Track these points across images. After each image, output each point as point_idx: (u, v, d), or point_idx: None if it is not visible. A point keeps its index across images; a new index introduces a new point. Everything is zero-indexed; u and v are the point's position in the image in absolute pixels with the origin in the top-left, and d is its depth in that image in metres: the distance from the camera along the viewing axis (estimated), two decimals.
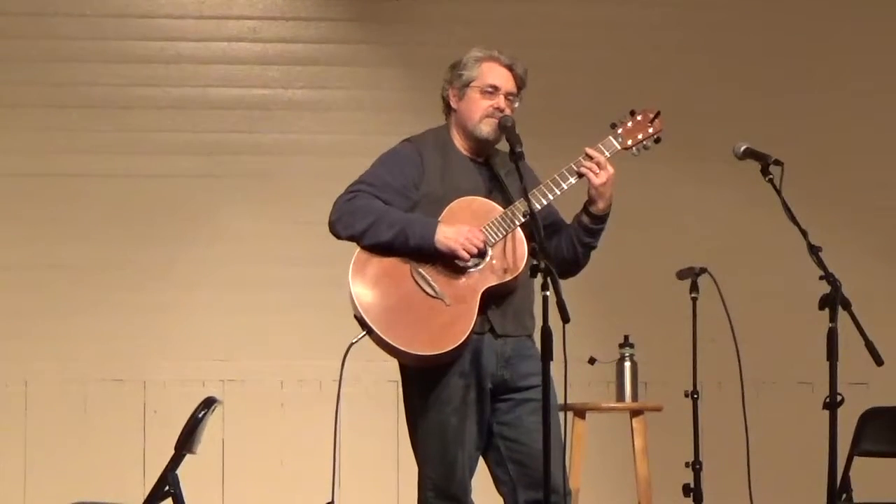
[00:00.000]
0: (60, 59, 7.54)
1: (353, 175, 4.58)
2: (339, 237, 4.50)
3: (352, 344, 4.39)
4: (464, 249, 4.37)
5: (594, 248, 4.61)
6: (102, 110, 7.54)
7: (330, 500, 4.59)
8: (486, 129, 4.55)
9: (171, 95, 7.61)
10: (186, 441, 5.04)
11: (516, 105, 4.61)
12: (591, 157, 4.50)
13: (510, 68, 4.59)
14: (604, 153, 4.52)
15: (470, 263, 4.40)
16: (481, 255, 4.41)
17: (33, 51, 7.53)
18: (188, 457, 5.07)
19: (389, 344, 4.36)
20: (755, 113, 7.63)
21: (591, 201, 4.54)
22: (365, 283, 4.40)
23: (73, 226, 7.47)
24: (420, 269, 4.41)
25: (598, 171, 4.48)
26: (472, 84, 4.57)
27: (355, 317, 4.41)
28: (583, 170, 4.49)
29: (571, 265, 4.61)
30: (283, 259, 7.52)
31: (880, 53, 7.88)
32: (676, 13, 7.79)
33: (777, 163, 4.58)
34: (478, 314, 4.39)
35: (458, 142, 4.62)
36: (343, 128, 7.64)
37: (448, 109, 4.65)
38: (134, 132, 7.56)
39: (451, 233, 4.39)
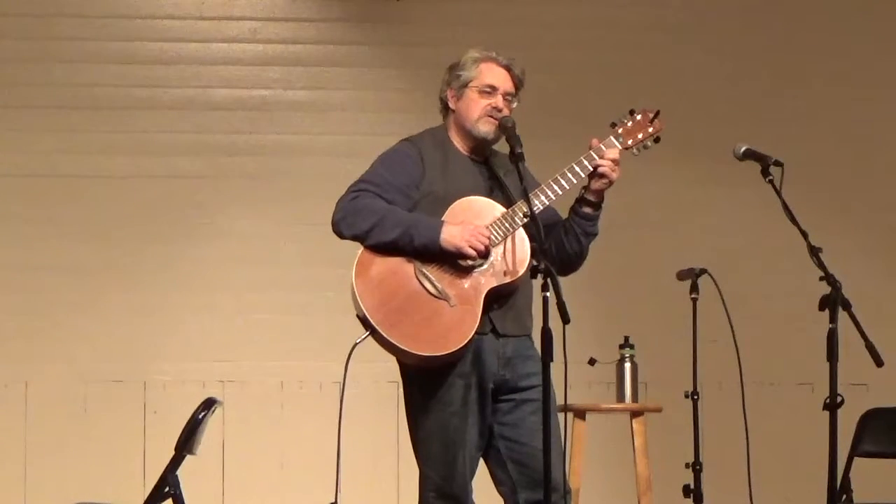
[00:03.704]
0: (61, 60, 7.54)
1: (354, 176, 4.57)
2: (342, 237, 4.50)
3: (356, 344, 4.38)
4: (469, 247, 4.38)
5: (597, 234, 4.62)
6: (103, 111, 7.54)
7: (333, 500, 4.59)
8: (483, 128, 4.56)
9: (171, 96, 7.62)
10: (186, 442, 5.04)
11: (514, 105, 4.61)
12: (601, 154, 4.49)
13: (508, 69, 4.60)
14: (618, 147, 4.52)
15: (474, 264, 4.40)
16: (485, 255, 4.41)
17: (34, 52, 7.53)
18: (188, 458, 5.06)
19: (394, 345, 4.35)
20: (755, 113, 7.63)
21: (595, 193, 4.54)
22: (369, 283, 4.40)
23: (74, 226, 7.48)
24: (424, 270, 4.41)
25: (615, 168, 4.50)
26: (470, 84, 4.58)
27: (358, 317, 4.41)
28: (604, 169, 4.49)
29: (577, 258, 4.62)
30: (284, 260, 7.53)
31: (881, 54, 7.88)
32: (676, 14, 7.79)
33: (777, 164, 4.59)
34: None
35: (457, 141, 4.63)
36: (343, 128, 7.64)
37: (446, 110, 4.66)
38: (134, 133, 7.56)
39: (457, 231, 4.39)
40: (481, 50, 4.63)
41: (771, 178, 4.58)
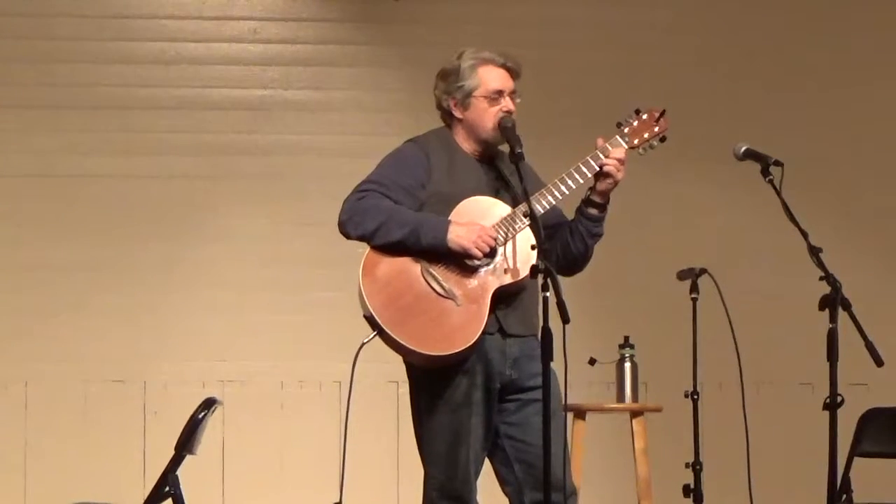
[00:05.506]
0: (61, 59, 7.54)
1: (354, 175, 4.57)
2: (348, 237, 4.49)
3: (363, 344, 4.38)
4: (476, 248, 4.38)
5: (602, 235, 4.61)
6: (103, 111, 7.54)
7: (337, 500, 4.59)
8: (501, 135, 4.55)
9: (171, 96, 7.62)
10: (186, 442, 5.04)
11: (518, 100, 4.60)
12: (607, 154, 4.49)
13: (505, 66, 4.59)
14: (623, 147, 4.52)
15: (480, 263, 4.41)
16: (491, 255, 4.42)
17: (34, 52, 7.54)
18: (188, 457, 5.06)
19: (401, 344, 4.35)
20: (755, 113, 7.63)
21: (601, 194, 4.54)
22: (376, 283, 4.39)
23: (74, 226, 7.48)
24: (431, 269, 4.41)
25: (620, 168, 4.50)
26: (475, 94, 4.55)
27: (365, 316, 4.41)
28: (609, 169, 4.49)
29: (582, 259, 4.62)
30: (284, 260, 7.53)
31: (881, 54, 7.89)
32: (677, 14, 7.79)
33: (777, 163, 4.59)
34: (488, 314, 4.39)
35: (464, 144, 4.61)
36: (343, 128, 7.64)
37: (449, 117, 4.63)
38: (134, 133, 7.56)
39: (464, 231, 4.39)
40: (474, 53, 4.58)
41: (771, 178, 4.58)
